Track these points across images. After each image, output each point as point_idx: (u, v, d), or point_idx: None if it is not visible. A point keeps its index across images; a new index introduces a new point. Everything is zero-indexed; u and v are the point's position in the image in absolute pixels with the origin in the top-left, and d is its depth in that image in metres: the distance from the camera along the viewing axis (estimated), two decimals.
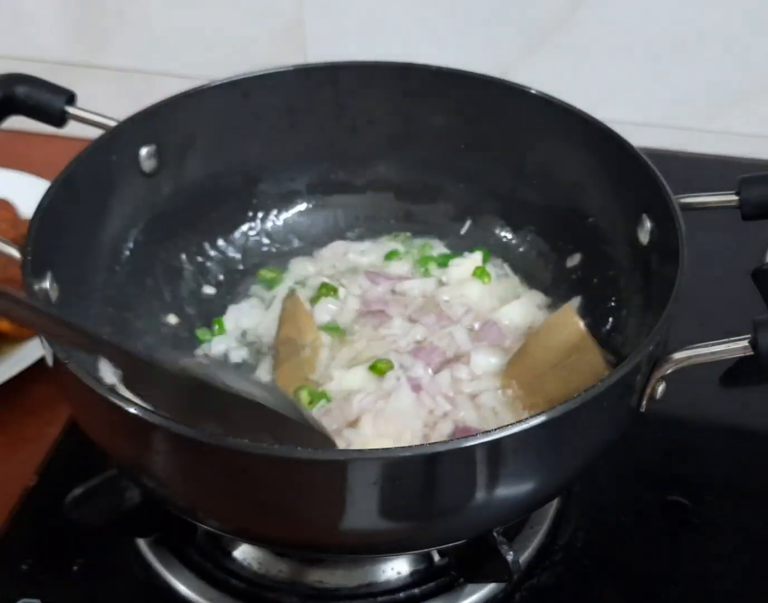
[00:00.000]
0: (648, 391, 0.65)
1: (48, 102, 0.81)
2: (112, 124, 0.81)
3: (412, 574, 0.75)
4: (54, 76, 0.84)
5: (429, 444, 0.55)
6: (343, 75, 0.90)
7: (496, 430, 0.56)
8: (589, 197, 0.85)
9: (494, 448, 0.56)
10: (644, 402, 0.65)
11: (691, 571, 0.77)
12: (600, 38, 1.15)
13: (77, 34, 1.26)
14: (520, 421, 0.56)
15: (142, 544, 0.77)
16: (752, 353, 0.62)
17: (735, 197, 0.75)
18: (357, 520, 0.58)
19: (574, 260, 0.88)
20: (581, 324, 0.77)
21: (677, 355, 0.64)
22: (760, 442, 0.88)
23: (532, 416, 0.56)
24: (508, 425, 0.56)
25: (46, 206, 0.73)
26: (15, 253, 0.70)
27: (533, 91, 0.85)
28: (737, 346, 0.63)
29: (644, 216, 0.77)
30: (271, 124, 0.90)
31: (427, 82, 0.89)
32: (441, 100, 0.90)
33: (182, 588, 0.75)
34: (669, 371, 0.64)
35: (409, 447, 0.56)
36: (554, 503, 0.80)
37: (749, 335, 0.62)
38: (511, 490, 0.60)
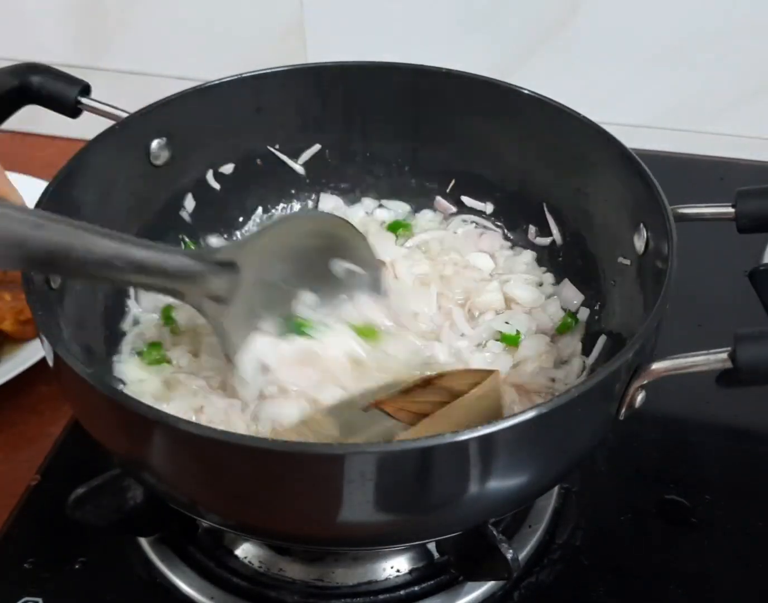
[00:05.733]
0: (627, 399, 0.64)
1: (62, 92, 0.82)
2: (125, 116, 0.82)
3: (411, 571, 0.76)
4: None
5: (424, 438, 0.56)
6: (352, 75, 0.90)
7: (484, 427, 0.56)
8: (591, 203, 0.85)
9: (486, 442, 0.57)
10: (623, 410, 0.65)
11: (689, 570, 0.78)
12: (598, 41, 1.16)
13: (80, 36, 1.27)
14: (504, 419, 0.57)
15: (144, 542, 0.78)
16: (731, 366, 0.61)
17: (731, 209, 0.75)
18: (352, 513, 0.59)
19: (573, 263, 0.89)
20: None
21: (656, 366, 0.63)
22: (757, 441, 0.88)
23: (514, 414, 0.57)
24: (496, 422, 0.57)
25: (50, 194, 0.73)
26: None
27: (540, 96, 0.85)
28: (717, 358, 0.62)
29: (641, 224, 0.77)
30: (280, 123, 0.91)
31: (436, 84, 0.90)
32: (447, 103, 0.90)
33: (184, 586, 0.75)
34: (647, 381, 0.64)
35: (404, 441, 0.57)
36: (552, 502, 0.81)
37: (729, 348, 0.61)
38: (500, 483, 0.61)
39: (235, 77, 0.87)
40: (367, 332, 0.79)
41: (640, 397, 0.65)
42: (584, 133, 0.82)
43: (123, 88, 1.27)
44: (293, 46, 1.23)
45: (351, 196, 0.96)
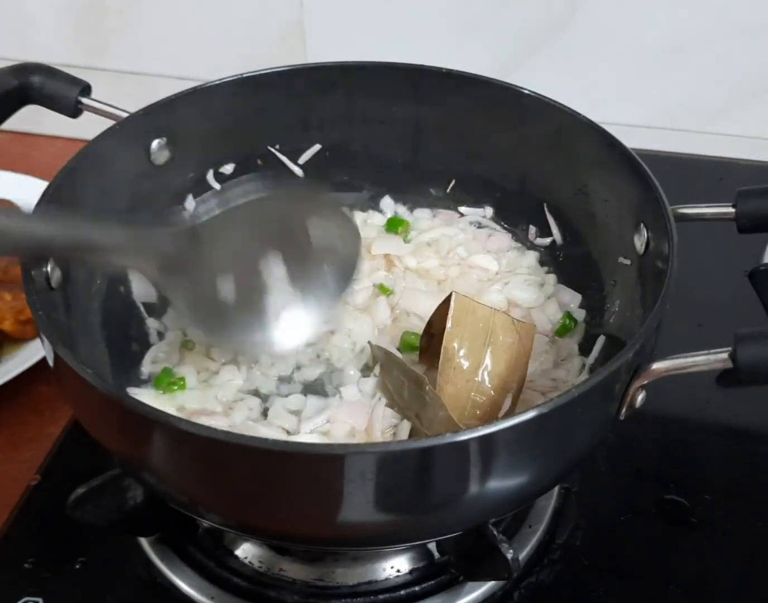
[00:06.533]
0: (627, 399, 0.64)
1: (62, 92, 0.82)
2: (125, 116, 0.82)
3: (411, 571, 0.76)
4: None
5: (425, 438, 0.56)
6: (352, 75, 0.90)
7: (479, 427, 0.57)
8: (591, 203, 0.85)
9: (486, 442, 0.57)
10: (623, 410, 0.65)
11: (689, 570, 0.78)
12: (598, 41, 1.16)
13: (78, 37, 1.27)
14: (498, 421, 0.57)
15: (144, 542, 0.78)
16: (732, 366, 0.61)
17: (731, 210, 0.75)
18: (352, 513, 0.59)
19: (574, 263, 0.89)
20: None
21: (656, 366, 0.63)
22: (757, 441, 0.88)
23: (511, 416, 0.57)
24: (491, 423, 0.57)
25: (50, 194, 0.73)
26: None
27: (540, 96, 0.85)
28: (717, 358, 0.62)
29: (641, 224, 0.77)
30: (280, 123, 0.91)
31: (436, 84, 0.90)
32: (447, 103, 0.90)
33: (184, 586, 0.75)
34: (647, 381, 0.64)
35: (404, 441, 0.57)
36: (552, 502, 0.81)
37: (730, 348, 0.61)
38: (500, 483, 0.61)
39: (235, 77, 0.87)
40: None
41: (640, 397, 0.65)
42: (584, 133, 0.82)
43: (123, 88, 1.27)
44: (293, 46, 1.22)
45: (352, 196, 0.96)
